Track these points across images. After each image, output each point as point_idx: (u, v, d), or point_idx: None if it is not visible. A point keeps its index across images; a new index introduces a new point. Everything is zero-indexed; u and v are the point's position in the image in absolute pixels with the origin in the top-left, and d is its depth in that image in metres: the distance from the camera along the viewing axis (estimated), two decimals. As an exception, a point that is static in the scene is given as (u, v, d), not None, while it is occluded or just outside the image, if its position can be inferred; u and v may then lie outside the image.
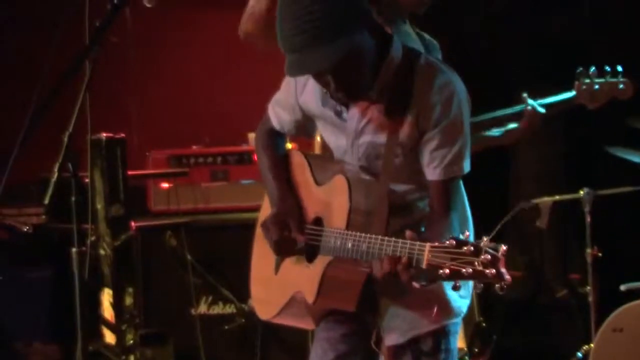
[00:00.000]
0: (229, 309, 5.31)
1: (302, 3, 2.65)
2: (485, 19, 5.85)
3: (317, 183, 3.04)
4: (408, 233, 2.59)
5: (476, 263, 2.38)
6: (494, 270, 2.37)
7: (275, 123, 3.17)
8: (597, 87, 4.01)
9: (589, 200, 4.71)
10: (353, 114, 2.91)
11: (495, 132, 4.01)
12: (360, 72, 2.77)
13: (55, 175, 2.85)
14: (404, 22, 3.93)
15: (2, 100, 6.24)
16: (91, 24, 2.87)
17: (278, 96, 3.14)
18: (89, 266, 3.20)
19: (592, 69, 3.99)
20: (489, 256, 2.38)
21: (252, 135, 5.24)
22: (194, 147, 5.85)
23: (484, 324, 5.05)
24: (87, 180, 4.96)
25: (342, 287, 2.89)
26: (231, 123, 6.03)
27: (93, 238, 4.90)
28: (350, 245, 2.77)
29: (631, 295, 4.62)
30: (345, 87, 2.78)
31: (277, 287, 3.09)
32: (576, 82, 4.00)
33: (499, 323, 5.58)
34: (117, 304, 5.11)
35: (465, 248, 2.41)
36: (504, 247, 2.42)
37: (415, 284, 2.65)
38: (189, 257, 5.25)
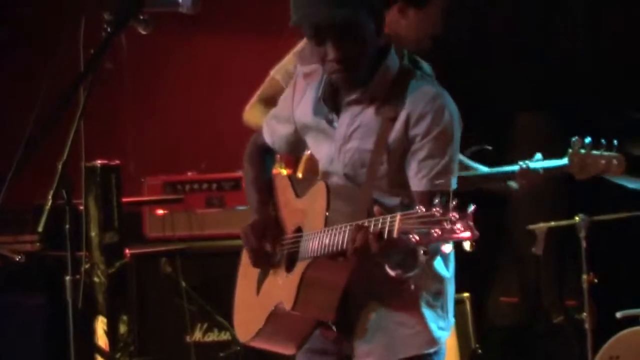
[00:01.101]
0: (225, 336, 5.29)
1: None
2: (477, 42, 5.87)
3: (298, 196, 3.07)
4: (376, 208, 2.60)
5: (445, 223, 2.38)
6: (462, 227, 2.38)
7: (268, 138, 3.21)
8: (590, 159, 3.96)
9: (584, 226, 4.71)
10: (343, 121, 2.94)
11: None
12: (359, 50, 2.82)
13: (50, 202, 2.83)
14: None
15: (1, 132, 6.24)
16: (86, 50, 2.87)
17: (275, 111, 3.20)
18: (83, 294, 3.18)
19: (588, 139, 3.96)
20: (457, 214, 2.38)
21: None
22: (189, 173, 5.85)
23: (479, 351, 5.04)
24: (81, 207, 4.95)
25: (322, 289, 2.86)
26: (226, 149, 6.01)
27: (87, 266, 4.89)
28: (327, 240, 2.77)
29: (628, 322, 4.61)
30: (342, 59, 2.81)
31: (258, 306, 3.07)
32: (569, 151, 3.97)
33: (496, 349, 5.56)
34: (111, 332, 5.09)
35: (434, 210, 2.41)
36: (472, 207, 2.42)
37: (390, 271, 2.67)
38: (183, 284, 5.24)
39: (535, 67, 5.78)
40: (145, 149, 6.28)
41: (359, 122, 2.91)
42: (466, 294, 4.95)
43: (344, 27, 2.79)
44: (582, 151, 3.94)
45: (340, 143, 2.93)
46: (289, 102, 3.12)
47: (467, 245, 2.41)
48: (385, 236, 2.52)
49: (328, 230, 2.78)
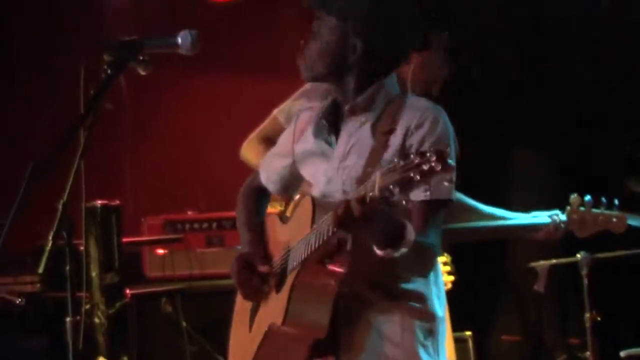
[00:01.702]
0: (225, 376, 5.26)
1: None
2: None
3: (284, 223, 3.07)
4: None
5: (423, 165, 2.35)
6: (439, 165, 2.34)
7: (263, 175, 3.25)
8: (589, 216, 3.92)
9: (586, 263, 4.69)
10: (341, 141, 2.97)
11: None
12: (328, 38, 2.91)
13: (50, 243, 2.82)
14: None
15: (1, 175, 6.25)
16: (86, 91, 2.88)
17: (274, 149, 3.26)
18: (84, 335, 3.16)
19: (588, 197, 3.96)
20: (434, 155, 2.35)
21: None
22: (189, 212, 5.84)
23: (483, 389, 5.01)
24: (81, 248, 4.93)
25: (313, 299, 2.80)
26: (226, 188, 5.99)
27: (88, 306, 4.87)
28: (313, 239, 2.73)
29: (631, 361, 4.59)
30: (311, 36, 2.93)
31: (251, 340, 3.04)
32: (568, 208, 3.97)
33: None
34: (112, 373, 5.07)
35: (412, 157, 2.38)
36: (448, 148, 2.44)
37: (378, 250, 2.60)
38: (184, 323, 5.22)
39: (534, 102, 5.80)
40: (145, 188, 6.29)
41: (355, 138, 2.93)
42: (468, 333, 4.92)
43: (329, 14, 2.90)
44: (582, 209, 3.93)
45: (338, 161, 2.95)
46: (289, 136, 3.17)
47: (445, 182, 2.42)
48: (368, 199, 2.48)
49: (313, 230, 2.75)
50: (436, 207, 2.83)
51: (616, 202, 3.98)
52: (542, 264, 4.82)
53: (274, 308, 2.92)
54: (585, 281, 4.70)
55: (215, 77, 6.48)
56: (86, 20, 6.32)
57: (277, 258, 3.03)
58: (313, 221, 2.79)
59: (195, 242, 5.67)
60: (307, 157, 3.09)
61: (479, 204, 4.13)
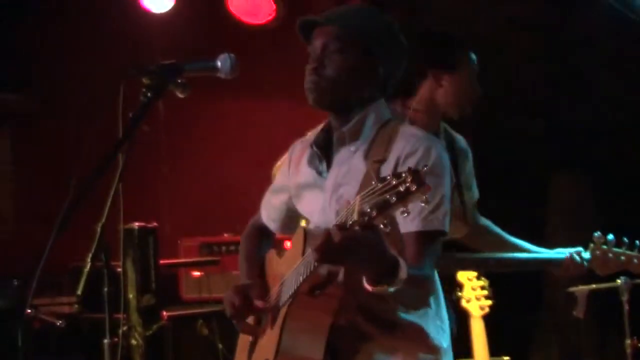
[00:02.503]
0: (261, 399, 5.23)
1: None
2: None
3: (281, 256, 3.04)
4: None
5: (400, 186, 2.29)
6: (415, 186, 2.28)
7: (264, 213, 3.24)
8: (611, 255, 3.99)
9: (626, 288, 4.63)
10: (333, 170, 2.92)
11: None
12: (339, 64, 2.85)
13: (88, 265, 2.83)
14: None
15: (38, 191, 6.29)
16: (125, 114, 2.88)
17: (271, 186, 3.25)
18: (121, 356, 3.16)
19: (611, 237, 3.98)
20: (410, 176, 2.29)
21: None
22: (225, 234, 5.85)
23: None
24: (119, 269, 4.95)
25: (306, 331, 2.74)
26: (262, 210, 6.03)
27: (125, 328, 4.87)
28: (302, 270, 2.68)
29: (672, 387, 4.51)
30: (321, 60, 2.87)
31: None
32: (591, 245, 3.97)
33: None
34: (149, 395, 5.06)
35: (389, 178, 2.32)
36: (425, 166, 2.34)
37: (369, 286, 2.51)
38: (220, 345, 5.21)
39: (570, 127, 5.76)
40: (181, 210, 6.30)
41: (346, 167, 2.88)
42: (506, 358, 4.86)
43: (340, 35, 2.85)
44: (604, 247, 3.95)
45: (330, 192, 2.90)
46: (285, 171, 3.15)
47: (422, 202, 2.30)
48: (348, 225, 2.40)
49: (302, 261, 2.70)
50: (430, 239, 2.75)
51: (637, 243, 4.00)
52: (581, 289, 4.76)
53: (267, 343, 2.87)
54: (626, 307, 4.64)
55: (249, 101, 6.50)
56: (124, 41, 6.37)
57: (273, 292, 2.97)
58: (304, 252, 2.74)
59: (231, 264, 5.66)
60: (301, 190, 3.05)
61: (505, 233, 4.14)
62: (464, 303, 4.20)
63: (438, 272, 3.93)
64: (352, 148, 2.89)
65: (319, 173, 2.96)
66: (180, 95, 2.91)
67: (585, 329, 5.69)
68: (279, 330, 2.76)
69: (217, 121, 6.57)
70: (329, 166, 2.95)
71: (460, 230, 4.05)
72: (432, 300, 2.86)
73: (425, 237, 2.74)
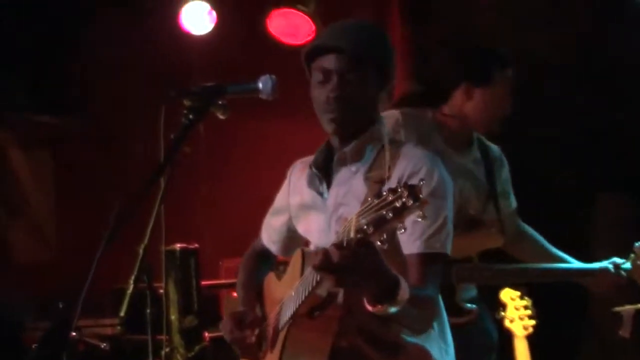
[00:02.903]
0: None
1: (369, 27, 2.94)
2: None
3: (279, 279, 3.02)
4: None
5: (396, 202, 2.23)
6: (411, 201, 2.22)
7: (264, 236, 3.27)
8: None
9: (674, 309, 4.57)
10: (333, 191, 2.90)
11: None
12: (359, 94, 2.83)
13: (131, 287, 2.83)
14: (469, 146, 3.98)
15: (80, 214, 6.33)
16: (166, 135, 2.89)
17: (271, 208, 3.28)
18: (164, 378, 3.17)
19: None
20: (406, 190, 2.24)
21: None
22: (266, 255, 5.83)
23: None
24: (161, 291, 4.96)
25: (306, 353, 2.72)
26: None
27: (167, 349, 4.87)
28: (301, 291, 2.65)
29: None
30: (342, 95, 2.83)
31: None
32: (632, 256, 3.94)
33: None
34: (191, 417, 5.06)
35: (385, 194, 2.27)
36: (421, 181, 2.29)
37: (370, 306, 2.45)
38: (261, 367, 5.19)
39: (614, 146, 5.70)
40: (222, 231, 6.31)
41: (346, 188, 2.86)
42: (551, 378, 4.82)
43: (356, 63, 2.82)
44: None
45: (330, 212, 2.88)
46: (285, 192, 3.17)
47: (419, 217, 2.25)
48: (345, 242, 2.35)
49: (301, 282, 2.67)
50: (432, 261, 2.72)
51: None
52: (627, 308, 4.70)
53: None
54: (674, 327, 4.57)
55: (289, 121, 6.50)
56: (165, 63, 6.42)
57: (272, 315, 2.96)
58: (302, 274, 2.71)
59: (272, 284, 5.65)
60: (302, 211, 3.04)
61: (545, 241, 4.11)
62: (507, 323, 4.17)
63: (477, 285, 3.92)
64: (353, 168, 2.87)
65: (320, 194, 2.95)
66: (221, 117, 2.91)
67: (632, 349, 5.61)
68: (279, 353, 2.75)
69: (256, 142, 6.58)
70: (329, 186, 2.93)
71: (496, 241, 4.04)
72: (435, 322, 2.82)
73: (428, 259, 2.71)
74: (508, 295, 4.18)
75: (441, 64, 4.41)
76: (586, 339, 5.69)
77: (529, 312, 4.16)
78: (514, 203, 4.17)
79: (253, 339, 2.98)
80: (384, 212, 2.24)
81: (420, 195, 2.23)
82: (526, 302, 4.18)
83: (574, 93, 5.78)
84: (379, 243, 2.30)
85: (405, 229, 2.27)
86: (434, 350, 2.81)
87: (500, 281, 4.13)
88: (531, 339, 4.18)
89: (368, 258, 2.38)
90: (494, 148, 4.15)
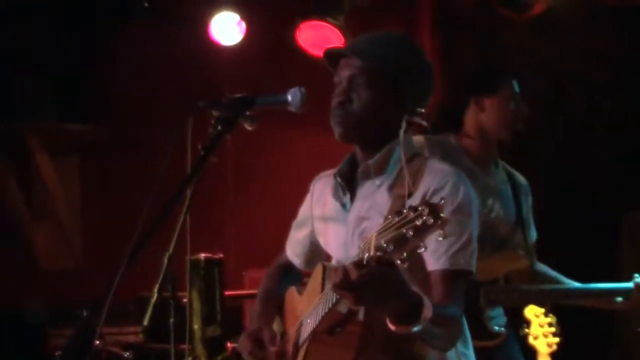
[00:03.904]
0: None
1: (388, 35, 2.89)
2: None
3: (300, 294, 2.99)
4: None
5: (417, 220, 2.21)
6: (432, 219, 2.20)
7: (289, 253, 3.23)
8: None
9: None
10: (356, 205, 2.87)
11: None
12: (366, 99, 2.80)
13: (155, 295, 2.83)
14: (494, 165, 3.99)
15: (106, 221, 6.35)
16: (193, 145, 2.89)
17: (294, 222, 3.25)
18: (186, 387, 3.17)
19: None
20: (427, 208, 2.21)
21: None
22: (290, 266, 5.83)
23: None
24: (185, 300, 4.97)
25: (330, 357, 2.69)
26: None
27: (189, 359, 4.88)
28: (320, 308, 2.62)
29: None
30: (347, 93, 2.82)
31: None
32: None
33: None
34: None
35: (406, 212, 2.24)
36: (442, 199, 2.27)
37: (392, 325, 2.41)
38: (283, 378, 5.18)
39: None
40: (247, 242, 6.31)
41: (370, 202, 2.82)
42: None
43: (366, 69, 2.80)
44: None
45: (353, 226, 2.85)
46: (307, 204, 3.14)
47: (440, 236, 2.23)
48: (365, 261, 2.32)
49: (321, 298, 2.64)
50: (456, 278, 2.68)
51: None
52: (652, 328, 4.68)
53: None
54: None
55: (316, 133, 6.50)
56: (193, 73, 6.44)
57: (292, 331, 2.93)
58: (323, 289, 2.69)
59: (296, 296, 5.64)
60: (324, 223, 3.01)
61: (562, 277, 4.10)
62: (531, 340, 4.14)
63: (504, 306, 3.90)
64: (377, 182, 2.83)
65: (343, 205, 2.92)
66: (249, 128, 2.91)
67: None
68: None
69: (284, 153, 6.59)
70: (352, 198, 2.90)
71: (523, 262, 4.02)
72: (460, 341, 2.79)
73: (452, 276, 2.67)
74: (532, 312, 4.16)
75: (449, 91, 4.45)
76: (610, 358, 5.65)
77: (553, 329, 4.13)
78: (534, 235, 4.18)
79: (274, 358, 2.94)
80: (404, 231, 2.22)
81: (442, 214, 2.21)
82: (551, 319, 4.15)
83: (601, 109, 5.76)
84: (399, 262, 2.28)
85: (426, 248, 2.25)
86: None
87: (526, 303, 4.11)
88: (555, 357, 4.15)
89: (388, 277, 2.35)
90: (520, 176, 4.18)
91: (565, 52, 5.55)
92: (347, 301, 2.44)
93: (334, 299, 2.54)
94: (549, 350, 4.15)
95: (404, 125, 2.79)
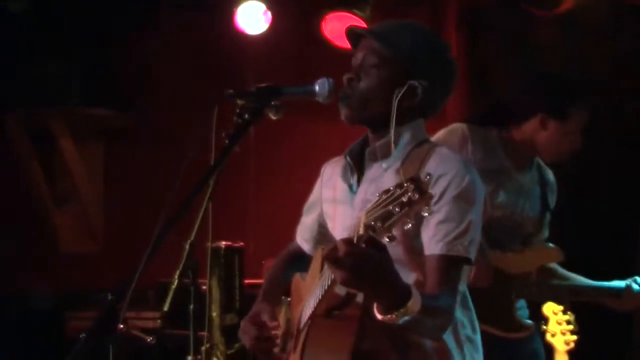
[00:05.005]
0: None
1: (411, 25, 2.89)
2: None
3: (304, 279, 2.99)
4: None
5: (402, 197, 2.20)
6: (417, 195, 2.19)
7: (299, 238, 3.23)
8: None
9: None
10: (362, 187, 2.87)
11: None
12: (375, 78, 2.81)
13: (176, 282, 2.84)
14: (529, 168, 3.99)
15: (128, 206, 6.38)
16: (217, 133, 2.89)
17: (307, 204, 3.24)
18: (203, 374, 3.19)
19: None
20: (413, 184, 2.20)
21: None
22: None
23: None
24: (204, 287, 4.98)
25: (327, 355, 2.68)
26: (347, 234, 6.02)
27: (207, 346, 4.90)
28: (318, 291, 2.63)
29: None
30: (358, 70, 2.82)
31: None
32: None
33: None
34: (229, 414, 5.07)
35: (392, 189, 2.24)
36: (428, 175, 2.26)
37: (379, 314, 2.41)
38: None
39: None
40: (267, 231, 6.32)
41: (376, 185, 2.80)
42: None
43: (378, 50, 2.80)
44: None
45: (359, 209, 2.82)
46: (317, 187, 3.15)
47: (425, 212, 2.22)
48: (355, 240, 2.31)
49: (319, 281, 2.65)
50: (453, 265, 2.66)
51: None
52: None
53: None
54: None
55: (339, 123, 6.51)
56: (219, 61, 6.45)
57: (295, 316, 2.93)
58: (322, 267, 2.69)
59: (315, 286, 5.65)
60: (333, 206, 3.00)
61: (571, 273, 4.11)
62: (548, 337, 4.14)
63: (535, 301, 3.92)
64: (384, 165, 2.83)
65: (350, 187, 2.91)
66: (273, 118, 2.90)
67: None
68: (300, 353, 2.74)
69: (306, 143, 6.60)
70: (359, 181, 2.90)
71: (556, 256, 4.04)
72: (467, 326, 2.80)
73: (449, 262, 2.65)
74: (550, 309, 4.16)
75: (516, 88, 4.36)
76: (628, 356, 5.63)
77: (571, 327, 4.13)
78: (546, 233, 4.20)
79: (278, 344, 2.96)
80: (391, 208, 2.22)
81: (427, 190, 2.21)
82: (569, 316, 4.15)
83: (622, 109, 5.74)
84: (387, 239, 2.27)
85: (412, 224, 2.24)
86: (457, 353, 2.77)
87: (557, 298, 4.12)
88: (572, 355, 4.15)
89: (375, 259, 2.35)
90: (550, 173, 4.17)
91: (591, 51, 5.52)
92: (336, 279, 2.43)
93: (329, 280, 2.55)
94: (567, 348, 4.15)
95: (395, 104, 2.79)
